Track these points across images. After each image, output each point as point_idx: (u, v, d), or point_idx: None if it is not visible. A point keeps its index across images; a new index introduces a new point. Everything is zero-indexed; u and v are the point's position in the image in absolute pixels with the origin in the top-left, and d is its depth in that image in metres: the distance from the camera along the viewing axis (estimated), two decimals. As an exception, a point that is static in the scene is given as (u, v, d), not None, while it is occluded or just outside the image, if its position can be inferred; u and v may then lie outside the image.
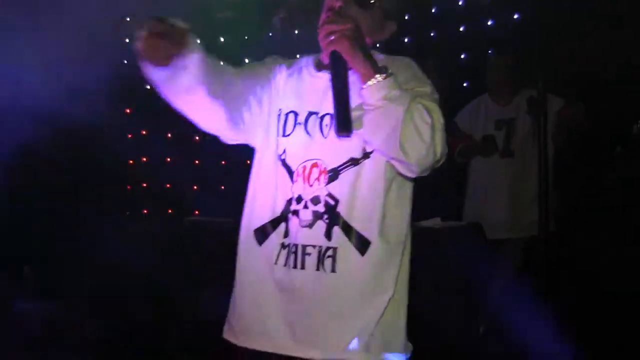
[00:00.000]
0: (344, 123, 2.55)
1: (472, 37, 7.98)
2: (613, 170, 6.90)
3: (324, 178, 2.76)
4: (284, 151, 2.85)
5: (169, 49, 2.52)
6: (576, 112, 6.13)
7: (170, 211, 8.69)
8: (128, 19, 8.79)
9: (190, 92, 2.70)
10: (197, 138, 8.81)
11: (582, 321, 5.45)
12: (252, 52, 7.98)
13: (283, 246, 2.80)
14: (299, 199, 2.79)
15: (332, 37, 2.54)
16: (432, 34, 8.21)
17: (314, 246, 2.74)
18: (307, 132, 2.82)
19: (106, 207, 8.54)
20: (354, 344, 2.71)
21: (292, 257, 2.76)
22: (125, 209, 9.03)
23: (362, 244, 2.73)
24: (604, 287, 5.99)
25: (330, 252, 2.72)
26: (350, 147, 2.73)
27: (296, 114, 2.86)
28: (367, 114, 2.57)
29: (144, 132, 9.12)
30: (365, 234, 2.72)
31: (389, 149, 2.57)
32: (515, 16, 7.73)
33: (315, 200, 2.76)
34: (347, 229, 2.73)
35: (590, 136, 6.37)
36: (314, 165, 2.78)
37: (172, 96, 2.74)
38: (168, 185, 8.94)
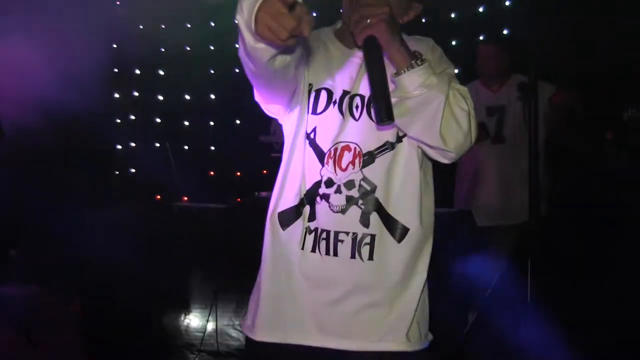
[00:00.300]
0: (387, 111, 2.43)
1: (463, 23, 7.98)
2: (604, 156, 6.90)
3: (358, 161, 2.65)
4: (314, 130, 2.71)
5: (293, 27, 2.15)
6: (569, 98, 6.12)
7: (158, 197, 8.66)
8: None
9: (285, 72, 2.50)
10: (186, 124, 8.81)
11: (574, 306, 5.45)
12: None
13: (309, 231, 2.67)
14: (329, 183, 2.66)
15: (369, 21, 2.46)
16: (422, 20, 8.19)
17: (347, 233, 2.63)
18: (341, 113, 2.69)
19: (94, 192, 8.52)
20: (397, 332, 2.67)
21: (323, 242, 2.64)
22: (114, 194, 9.00)
23: (401, 231, 2.64)
24: (595, 272, 5.99)
25: (367, 240, 2.62)
26: (385, 130, 2.65)
27: (330, 93, 2.72)
28: (406, 102, 2.51)
29: (133, 117, 9.09)
30: (404, 220, 2.64)
31: (428, 137, 2.53)
32: (507, 3, 7.72)
33: (350, 185, 2.64)
34: (385, 216, 2.64)
35: (582, 122, 6.35)
36: (346, 148, 2.66)
37: (265, 73, 2.49)
38: (156, 171, 8.94)
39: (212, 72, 8.75)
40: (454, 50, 7.97)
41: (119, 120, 9.00)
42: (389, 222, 2.63)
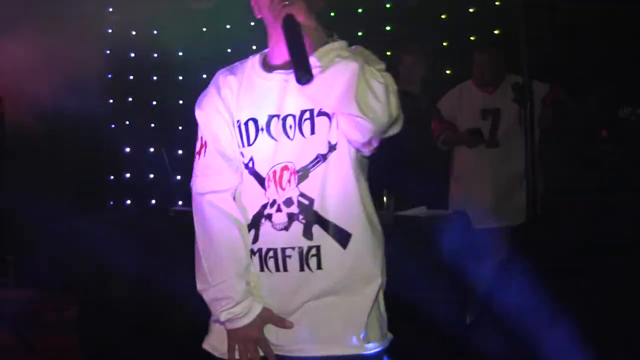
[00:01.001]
0: (304, 67, 2.49)
1: (455, 24, 8.01)
2: (600, 153, 6.93)
3: (294, 179, 2.73)
4: (251, 159, 2.81)
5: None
6: (561, 96, 6.16)
7: (154, 202, 8.68)
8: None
9: None
10: (180, 128, 8.82)
11: (571, 303, 5.47)
12: (234, 41, 7.98)
13: (252, 252, 2.77)
14: (272, 204, 2.75)
15: (287, 2, 2.54)
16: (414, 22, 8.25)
17: (293, 248, 2.71)
18: (272, 137, 2.77)
19: (89, 197, 8.54)
20: (352, 336, 2.71)
21: (271, 261, 2.74)
22: (108, 199, 9.03)
23: (344, 237, 2.71)
24: (592, 268, 6.02)
25: (313, 251, 2.71)
26: (316, 143, 2.72)
27: (256, 121, 2.80)
28: (323, 72, 2.52)
29: (127, 123, 9.10)
30: (345, 227, 2.71)
31: (345, 105, 2.54)
32: (497, 3, 7.75)
33: (288, 202, 2.73)
34: (326, 225, 2.71)
35: (576, 120, 6.39)
36: (284, 168, 2.74)
37: None
38: (151, 176, 8.94)
39: (205, 76, 8.77)
40: (445, 51, 8.01)
41: (113, 126, 9.00)
42: (331, 231, 2.70)
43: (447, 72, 7.94)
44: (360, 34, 8.34)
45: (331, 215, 2.70)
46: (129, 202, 8.96)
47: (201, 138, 2.90)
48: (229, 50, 8.37)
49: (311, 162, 2.72)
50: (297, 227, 2.71)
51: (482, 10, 7.90)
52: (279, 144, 2.75)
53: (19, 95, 6.44)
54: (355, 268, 2.71)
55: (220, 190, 2.79)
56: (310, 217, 2.71)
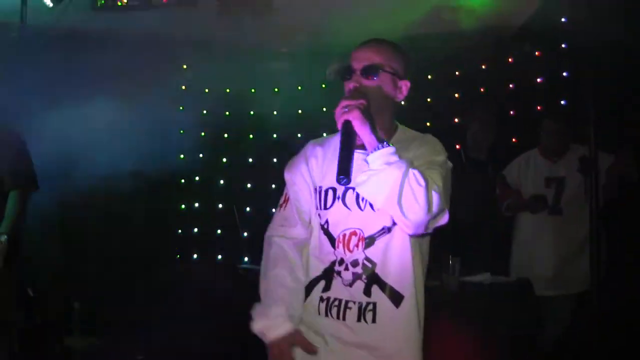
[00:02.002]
0: (345, 170, 2.95)
1: (522, 93, 8.08)
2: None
3: (362, 244, 3.20)
4: (326, 221, 3.28)
5: None
6: (626, 167, 6.20)
7: (219, 257, 8.78)
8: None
9: None
10: (248, 186, 8.95)
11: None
12: (306, 103, 8.13)
13: (322, 299, 3.26)
14: (340, 262, 3.23)
15: (347, 109, 2.99)
16: (481, 90, 8.33)
17: (354, 302, 3.19)
18: (346, 205, 3.23)
19: (156, 251, 8.69)
20: None
21: (334, 309, 3.23)
22: (176, 253, 9.15)
23: (397, 299, 3.16)
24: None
25: (370, 307, 3.17)
26: (383, 217, 3.15)
27: (335, 190, 3.27)
28: (371, 176, 2.94)
29: (197, 178, 9.25)
30: (400, 290, 3.17)
31: (389, 206, 2.94)
32: (565, 74, 7.82)
33: (355, 263, 3.20)
34: (384, 287, 3.17)
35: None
36: (353, 233, 3.21)
37: None
38: (219, 231, 9.07)
39: (275, 136, 8.91)
40: (512, 119, 8.08)
41: (183, 181, 9.16)
42: (387, 292, 3.17)
43: (514, 140, 7.98)
44: (429, 100, 8.48)
45: (390, 279, 3.17)
46: (195, 256, 9.09)
47: (285, 194, 3.42)
48: (299, 112, 8.54)
49: (378, 232, 3.19)
50: (360, 285, 3.18)
51: (550, 80, 7.96)
52: (351, 212, 3.22)
53: (96, 152, 6.62)
54: (405, 323, 3.18)
55: (288, 237, 3.33)
56: (372, 278, 3.18)
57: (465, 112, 7.70)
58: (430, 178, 2.97)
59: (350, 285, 3.19)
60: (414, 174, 2.91)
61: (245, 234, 7.52)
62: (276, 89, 8.95)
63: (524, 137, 7.44)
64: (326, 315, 3.24)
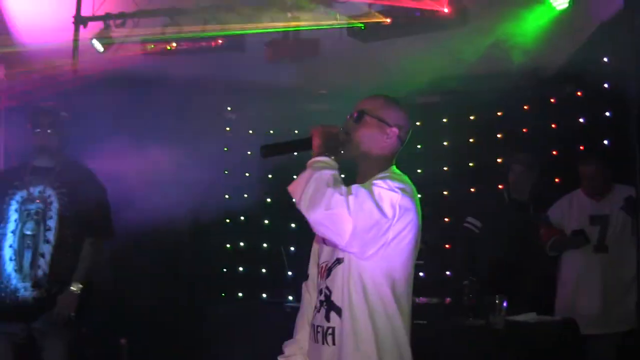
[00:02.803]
0: (271, 147, 3.50)
1: (564, 133, 8.12)
2: None
3: (325, 274, 3.52)
4: (319, 254, 3.64)
5: None
6: None
7: (264, 295, 8.86)
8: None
9: None
10: (292, 225, 9.03)
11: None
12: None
13: (311, 326, 3.57)
14: (320, 291, 3.54)
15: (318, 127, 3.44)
16: (524, 130, 8.37)
17: (321, 327, 3.46)
18: (323, 240, 3.57)
19: (202, 289, 8.78)
20: None
21: (313, 334, 3.54)
22: (221, 291, 9.24)
23: (352, 323, 3.36)
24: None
25: (330, 331, 3.42)
26: (337, 250, 3.43)
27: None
28: (298, 177, 3.28)
29: (242, 218, 9.36)
30: (352, 314, 3.36)
31: (297, 201, 3.24)
32: (607, 114, 7.85)
33: (321, 292, 3.52)
34: (339, 312, 3.39)
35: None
36: (325, 264, 3.54)
37: None
38: (263, 270, 9.16)
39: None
40: (554, 159, 8.15)
41: (228, 220, 9.26)
42: (342, 317, 3.38)
43: (556, 180, 8.00)
44: (471, 140, 8.54)
45: (344, 305, 3.38)
46: (240, 294, 9.18)
47: None
48: (342, 152, 8.61)
49: (333, 263, 3.47)
50: (323, 311, 3.47)
51: (592, 119, 7.99)
52: (325, 246, 3.57)
53: (143, 193, 6.72)
54: (362, 347, 3.34)
55: (309, 275, 3.74)
56: (329, 304, 3.45)
57: (507, 152, 7.73)
58: (353, 188, 3.25)
59: (319, 311, 3.50)
60: (327, 175, 3.23)
61: (290, 272, 7.59)
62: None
63: (567, 177, 7.46)
64: (312, 340, 3.55)
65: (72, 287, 5.48)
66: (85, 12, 7.26)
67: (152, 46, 7.05)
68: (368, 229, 3.21)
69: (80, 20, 7.24)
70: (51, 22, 7.46)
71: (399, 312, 3.36)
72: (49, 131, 5.65)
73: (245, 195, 9.24)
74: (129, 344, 7.53)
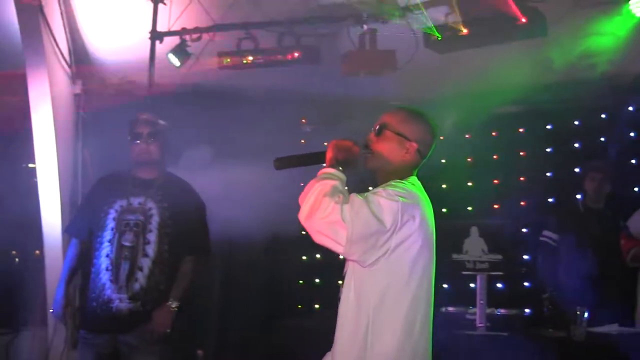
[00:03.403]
0: (284, 160, 3.68)
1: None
2: None
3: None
4: None
5: None
6: None
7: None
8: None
9: None
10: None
11: None
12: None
13: None
14: None
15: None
16: (601, 139, 8.28)
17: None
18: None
19: (278, 300, 8.80)
20: None
21: None
22: (298, 303, 9.25)
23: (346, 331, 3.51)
24: None
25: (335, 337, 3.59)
26: (347, 260, 3.58)
27: None
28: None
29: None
30: (347, 323, 3.50)
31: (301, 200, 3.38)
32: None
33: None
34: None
35: None
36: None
37: None
38: (339, 282, 9.13)
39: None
40: (632, 168, 8.08)
41: (303, 232, 9.26)
42: (337, 323, 3.55)
43: (635, 189, 7.90)
44: (548, 150, 8.45)
45: (340, 312, 3.55)
46: (317, 306, 9.17)
47: None
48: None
49: (345, 272, 3.61)
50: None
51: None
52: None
53: (219, 206, 6.75)
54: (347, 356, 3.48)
55: None
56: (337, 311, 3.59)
57: (585, 161, 7.65)
58: (351, 197, 3.35)
59: None
60: (328, 186, 3.35)
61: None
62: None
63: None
64: None
65: (169, 304, 5.46)
66: (161, 27, 7.32)
67: (228, 60, 7.06)
68: (365, 237, 3.30)
69: (156, 36, 7.30)
70: (127, 38, 7.56)
71: (405, 322, 3.43)
72: (149, 142, 5.68)
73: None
74: (205, 356, 7.59)
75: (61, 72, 7.46)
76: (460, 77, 7.50)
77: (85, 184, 7.51)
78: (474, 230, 6.62)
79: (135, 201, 5.64)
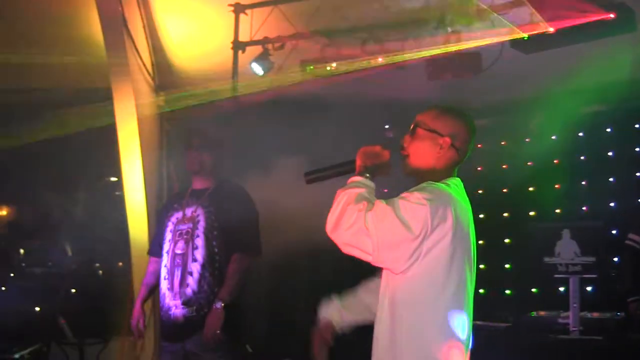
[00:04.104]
0: (315, 174, 3.65)
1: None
2: None
3: None
4: None
5: None
6: None
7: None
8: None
9: None
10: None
11: None
12: (512, 159, 8.08)
13: None
14: None
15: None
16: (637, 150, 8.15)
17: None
18: None
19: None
20: None
21: None
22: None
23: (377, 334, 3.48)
24: None
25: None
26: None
27: None
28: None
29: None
30: (380, 325, 3.44)
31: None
32: None
33: None
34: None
35: None
36: None
37: None
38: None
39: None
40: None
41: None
42: (375, 328, 3.47)
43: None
44: (610, 154, 8.37)
45: (376, 317, 3.46)
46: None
47: None
48: (503, 167, 8.50)
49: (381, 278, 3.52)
50: None
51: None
52: None
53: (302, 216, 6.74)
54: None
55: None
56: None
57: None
58: (375, 204, 3.25)
59: None
60: (353, 194, 3.30)
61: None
62: (479, 145, 8.94)
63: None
64: None
65: (215, 305, 5.46)
66: (243, 37, 7.34)
67: (312, 67, 7.03)
68: (393, 245, 3.20)
69: (238, 46, 7.32)
70: (210, 48, 7.61)
71: (438, 325, 3.30)
72: (202, 152, 5.78)
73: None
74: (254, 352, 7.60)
75: (145, 85, 7.59)
76: (547, 77, 7.37)
77: (170, 194, 7.66)
78: (566, 232, 6.51)
79: (189, 211, 5.77)
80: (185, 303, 5.54)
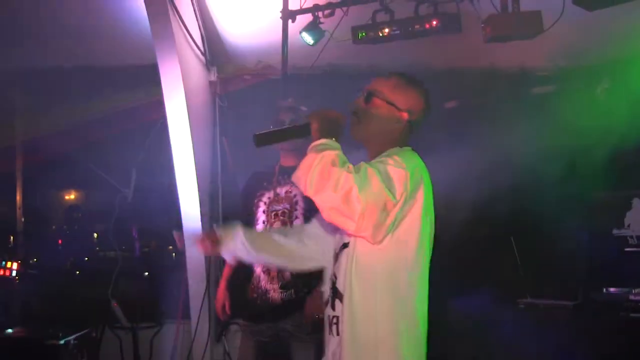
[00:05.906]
0: (263, 136, 3.56)
1: None
2: None
3: (333, 261, 3.62)
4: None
5: None
6: None
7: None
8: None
9: None
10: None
11: None
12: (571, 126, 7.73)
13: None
14: (329, 279, 3.68)
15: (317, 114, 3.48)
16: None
17: (328, 316, 3.56)
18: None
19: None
20: None
21: (324, 325, 3.63)
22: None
23: (353, 312, 3.37)
24: None
25: (334, 320, 3.47)
26: (344, 235, 3.49)
27: None
28: (301, 163, 3.28)
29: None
30: (357, 303, 3.37)
31: (303, 186, 3.26)
32: None
33: (328, 279, 3.68)
34: (341, 298, 3.43)
35: None
36: (334, 251, 3.64)
37: None
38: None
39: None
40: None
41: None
42: (343, 303, 3.40)
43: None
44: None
45: (347, 293, 3.38)
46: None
47: None
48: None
49: (340, 248, 3.53)
50: (329, 300, 3.57)
51: None
52: (334, 235, 3.70)
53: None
54: (366, 337, 3.31)
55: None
56: (334, 292, 3.53)
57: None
58: (359, 166, 3.21)
59: (327, 301, 3.58)
60: (331, 155, 3.16)
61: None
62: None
63: None
64: (325, 331, 3.63)
65: (320, 289, 5.36)
66: (293, 5, 7.12)
67: (363, 34, 6.74)
68: (378, 209, 3.13)
69: (288, 15, 7.09)
70: (259, 19, 7.48)
71: (412, 299, 3.33)
72: None
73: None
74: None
75: (195, 60, 7.45)
76: (613, 37, 7.00)
77: (224, 171, 7.71)
78: (637, 201, 6.22)
79: (282, 190, 5.81)
80: (284, 287, 5.65)
